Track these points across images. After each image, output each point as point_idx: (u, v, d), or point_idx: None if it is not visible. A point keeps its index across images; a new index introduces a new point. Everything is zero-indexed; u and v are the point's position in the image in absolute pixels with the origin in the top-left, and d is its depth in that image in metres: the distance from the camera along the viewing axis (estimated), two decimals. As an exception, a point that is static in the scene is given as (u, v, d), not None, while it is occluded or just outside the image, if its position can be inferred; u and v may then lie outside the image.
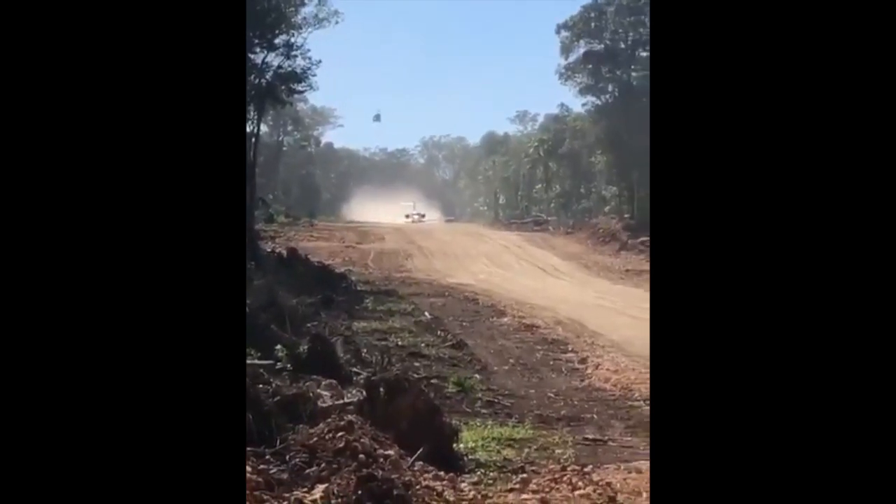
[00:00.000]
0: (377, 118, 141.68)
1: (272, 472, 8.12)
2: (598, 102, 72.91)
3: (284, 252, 41.45)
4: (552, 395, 18.49)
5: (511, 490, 11.03)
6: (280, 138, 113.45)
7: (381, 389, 11.72)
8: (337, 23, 54.74)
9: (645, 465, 13.10)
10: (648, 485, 11.77)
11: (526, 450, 13.17)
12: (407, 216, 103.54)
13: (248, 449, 7.98)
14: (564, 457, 13.00)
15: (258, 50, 47.52)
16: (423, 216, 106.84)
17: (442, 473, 10.76)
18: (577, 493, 11.24)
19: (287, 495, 7.71)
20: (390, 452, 9.15)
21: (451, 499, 9.78)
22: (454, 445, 12.33)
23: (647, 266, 55.78)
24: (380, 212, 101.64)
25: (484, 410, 16.25)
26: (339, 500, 7.75)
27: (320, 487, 7.97)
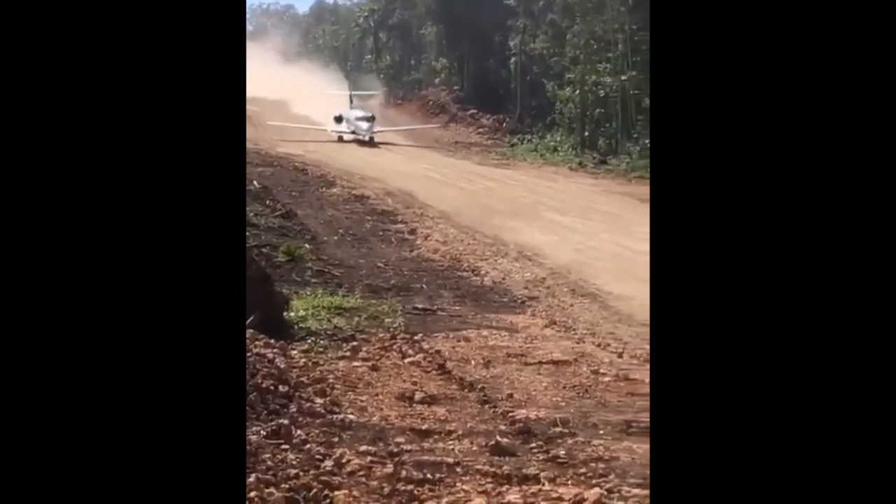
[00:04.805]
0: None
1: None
2: (430, -28, 71.94)
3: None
4: (382, 265, 18.62)
5: (342, 358, 11.11)
6: None
7: (210, 258, 11.48)
8: None
9: (473, 333, 13.44)
10: (476, 353, 12.07)
11: (356, 318, 13.24)
12: (339, 121, 52.31)
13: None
14: (394, 325, 13.15)
15: None
16: (372, 120, 52.39)
17: (273, 341, 10.72)
18: (406, 360, 11.42)
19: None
20: (220, 321, 8.99)
21: (283, 366, 9.76)
22: (284, 314, 12.28)
23: (476, 138, 56.24)
24: None
25: (314, 280, 16.21)
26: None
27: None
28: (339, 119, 52.96)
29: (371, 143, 49.92)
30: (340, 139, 50.87)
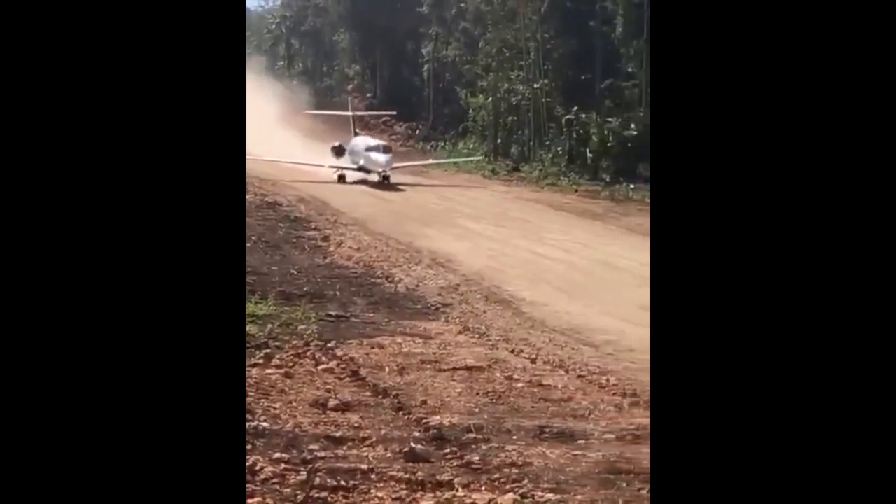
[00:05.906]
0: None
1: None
2: (343, -21, 71.69)
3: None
4: (295, 272, 18.49)
5: (255, 365, 10.98)
6: None
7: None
8: None
9: (387, 340, 13.39)
10: (390, 360, 12.05)
11: (269, 326, 13.11)
12: (340, 153, 40.14)
13: None
14: (307, 333, 13.04)
15: None
16: (389, 151, 39.84)
17: (184, 350, 10.55)
18: (320, 367, 11.34)
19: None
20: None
21: (194, 375, 9.62)
22: (196, 322, 12.10)
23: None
24: None
25: (226, 287, 15.99)
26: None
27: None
28: (338, 150, 39.87)
29: (386, 184, 37.08)
30: (342, 179, 38.30)
